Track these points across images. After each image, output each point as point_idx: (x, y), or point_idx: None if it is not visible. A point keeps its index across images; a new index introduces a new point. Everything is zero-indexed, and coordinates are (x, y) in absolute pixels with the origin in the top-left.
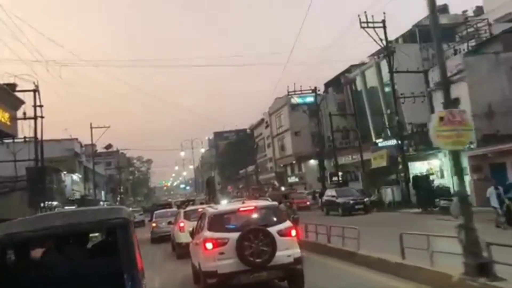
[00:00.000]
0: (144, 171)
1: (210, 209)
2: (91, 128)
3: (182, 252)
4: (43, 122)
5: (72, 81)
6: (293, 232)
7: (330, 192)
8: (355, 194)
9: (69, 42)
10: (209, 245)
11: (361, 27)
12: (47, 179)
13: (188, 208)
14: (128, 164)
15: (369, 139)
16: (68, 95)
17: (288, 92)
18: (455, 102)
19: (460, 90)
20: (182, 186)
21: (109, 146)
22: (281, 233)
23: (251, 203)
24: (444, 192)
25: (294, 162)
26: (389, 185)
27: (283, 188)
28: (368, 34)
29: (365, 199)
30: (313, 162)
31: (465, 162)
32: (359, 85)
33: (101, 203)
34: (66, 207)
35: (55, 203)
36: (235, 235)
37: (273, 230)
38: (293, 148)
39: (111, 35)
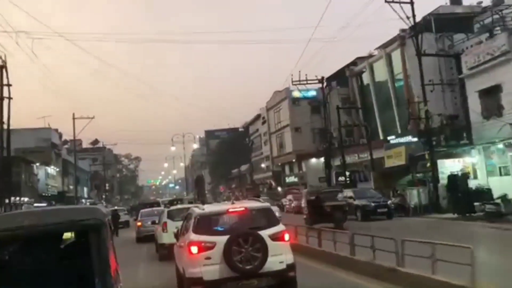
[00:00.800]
0: (132, 169)
1: (197, 209)
2: (74, 118)
3: (165, 253)
4: (11, 104)
5: (49, 60)
6: (286, 236)
7: (345, 193)
8: (376, 196)
9: (43, 12)
10: (194, 249)
11: (386, 1)
12: (14, 171)
13: (172, 208)
14: (115, 160)
15: (376, 136)
16: (43, 76)
17: (292, 81)
18: (497, 88)
19: (504, 75)
20: (171, 185)
21: (95, 142)
22: (273, 237)
23: (241, 204)
24: (484, 194)
25: (293, 160)
26: (411, 186)
27: (279, 189)
28: (394, 10)
29: (389, 202)
30: (314, 160)
31: (508, 160)
32: (366, 79)
33: (83, 200)
34: (36, 205)
35: (25, 199)
36: (223, 239)
37: (264, 233)
38: (293, 145)
39: (94, 6)
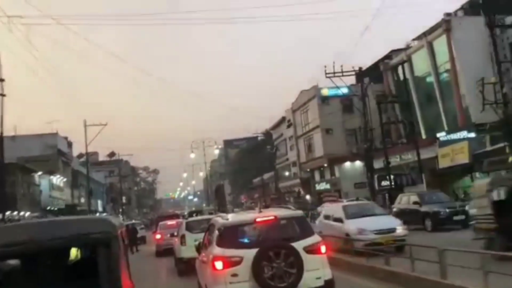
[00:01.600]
0: (150, 181)
1: (220, 219)
2: (85, 126)
3: (184, 268)
4: (4, 101)
5: (50, 52)
6: (323, 248)
7: (407, 198)
8: (445, 200)
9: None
10: (218, 265)
11: None
12: (9, 180)
13: (191, 219)
14: (132, 173)
15: (417, 134)
16: (46, 73)
17: (326, 73)
18: None
19: None
20: (190, 197)
21: (112, 154)
22: (309, 250)
23: (271, 212)
24: None
25: (325, 165)
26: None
27: (308, 197)
28: None
29: (466, 207)
30: (348, 164)
31: None
32: (404, 72)
33: (97, 214)
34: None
35: (27, 213)
36: (251, 252)
37: (298, 245)
38: (324, 148)
39: None
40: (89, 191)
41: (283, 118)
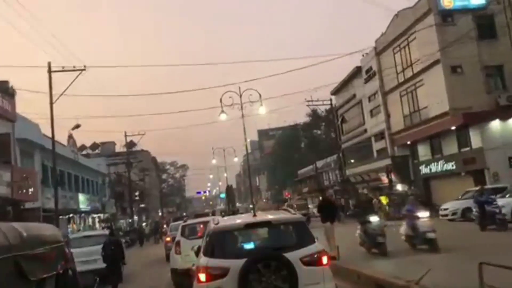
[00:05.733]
0: (178, 178)
1: (212, 224)
2: (50, 72)
3: (179, 281)
4: None
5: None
6: (324, 259)
7: None
8: None
9: None
10: (202, 277)
11: None
12: None
13: (189, 221)
14: (156, 167)
15: None
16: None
17: None
18: None
19: None
20: (222, 196)
21: (131, 144)
22: (307, 261)
23: (265, 217)
24: None
25: (452, 128)
26: None
27: (399, 188)
28: None
29: None
30: (497, 126)
31: None
32: None
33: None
34: None
35: None
36: (238, 264)
37: (294, 256)
38: (450, 98)
39: None
40: (57, 178)
41: (358, 69)
